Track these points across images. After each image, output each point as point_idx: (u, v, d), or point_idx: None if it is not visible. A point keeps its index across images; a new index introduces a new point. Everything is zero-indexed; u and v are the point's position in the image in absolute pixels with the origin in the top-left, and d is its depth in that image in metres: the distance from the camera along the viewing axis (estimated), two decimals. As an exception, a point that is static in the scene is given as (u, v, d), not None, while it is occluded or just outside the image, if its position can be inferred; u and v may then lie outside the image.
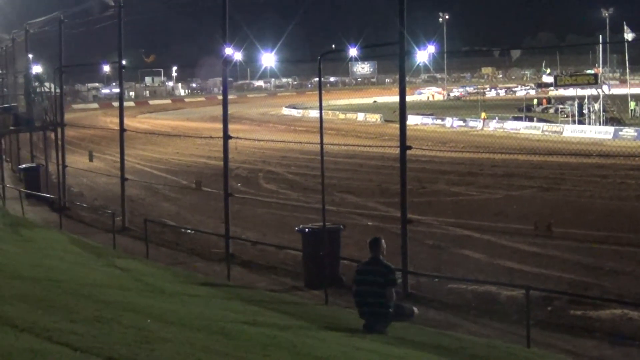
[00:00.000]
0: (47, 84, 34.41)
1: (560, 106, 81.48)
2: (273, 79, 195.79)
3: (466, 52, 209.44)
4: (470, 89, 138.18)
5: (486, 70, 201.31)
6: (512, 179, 36.63)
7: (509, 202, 30.72)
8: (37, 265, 12.43)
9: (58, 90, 33.71)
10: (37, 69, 38.20)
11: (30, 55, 38.36)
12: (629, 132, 62.34)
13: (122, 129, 28.57)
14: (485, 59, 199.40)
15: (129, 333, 9.37)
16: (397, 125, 17.91)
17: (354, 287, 12.91)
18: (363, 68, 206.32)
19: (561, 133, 66.61)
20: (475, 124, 76.80)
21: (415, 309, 13.04)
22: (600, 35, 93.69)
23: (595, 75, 76.03)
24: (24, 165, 37.06)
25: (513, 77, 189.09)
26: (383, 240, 12.77)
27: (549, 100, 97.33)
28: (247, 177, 40.48)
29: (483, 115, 78.48)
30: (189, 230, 25.53)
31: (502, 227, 25.09)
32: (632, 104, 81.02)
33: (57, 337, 8.54)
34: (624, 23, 77.07)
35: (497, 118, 77.34)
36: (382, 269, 12.50)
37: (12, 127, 35.13)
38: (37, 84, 34.08)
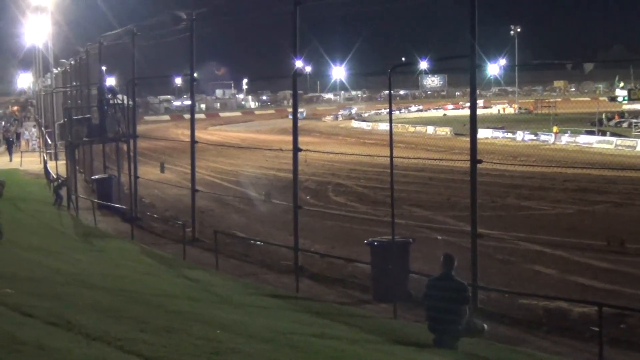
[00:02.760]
0: (119, 96, 34.83)
1: (634, 120, 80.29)
2: (342, 92, 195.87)
3: (537, 65, 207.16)
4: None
5: (558, 84, 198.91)
6: (585, 193, 36.11)
7: (581, 217, 30.30)
8: (108, 274, 12.60)
9: (131, 102, 34.15)
10: (110, 81, 38.74)
11: (103, 68, 38.89)
12: None
13: (193, 141, 28.80)
14: (557, 72, 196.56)
15: (198, 344, 9.43)
16: (467, 139, 17.79)
17: (425, 302, 12.83)
18: (433, 81, 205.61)
19: (635, 147, 65.58)
20: (547, 138, 76.00)
21: (485, 325, 12.92)
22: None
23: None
24: (96, 176, 37.54)
25: (585, 91, 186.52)
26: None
27: (621, 114, 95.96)
28: (316, 189, 40.51)
29: (555, 129, 77.62)
30: (258, 242, 25.60)
31: (574, 242, 24.72)
32: None
33: (129, 346, 8.64)
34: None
35: (569, 132, 76.41)
36: (456, 285, 12.43)
37: (85, 138, 35.69)
38: (110, 95, 34.49)
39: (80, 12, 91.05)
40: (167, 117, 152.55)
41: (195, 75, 29.28)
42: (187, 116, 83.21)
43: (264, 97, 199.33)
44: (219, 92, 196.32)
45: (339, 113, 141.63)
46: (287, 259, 22.53)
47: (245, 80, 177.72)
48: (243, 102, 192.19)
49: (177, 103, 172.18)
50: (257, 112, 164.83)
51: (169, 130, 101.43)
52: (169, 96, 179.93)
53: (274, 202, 31.14)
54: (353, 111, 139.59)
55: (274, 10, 25.62)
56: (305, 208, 24.69)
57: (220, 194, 37.68)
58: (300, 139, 22.62)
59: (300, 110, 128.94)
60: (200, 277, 19.27)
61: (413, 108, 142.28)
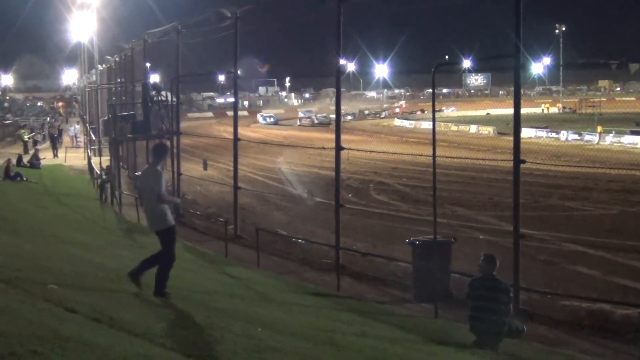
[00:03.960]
0: (163, 93, 34.98)
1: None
2: (385, 90, 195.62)
3: (582, 65, 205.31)
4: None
5: (603, 83, 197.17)
6: (629, 194, 35.78)
7: (625, 218, 30.02)
8: (150, 271, 12.69)
9: (174, 99, 34.32)
10: (154, 78, 38.93)
11: (148, 65, 39.12)
12: None
13: (236, 138, 28.88)
14: (602, 72, 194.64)
15: (239, 341, 9.47)
16: (510, 138, 17.68)
17: (469, 302, 12.79)
18: (476, 80, 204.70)
19: (680, 147, 64.85)
20: (591, 138, 75.39)
21: (525, 327, 12.84)
22: None
23: None
24: (140, 172, 37.74)
25: (631, 90, 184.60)
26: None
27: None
28: (358, 187, 40.50)
29: (599, 129, 76.97)
30: (299, 240, 25.62)
31: (617, 243, 24.50)
32: None
33: (170, 343, 8.69)
34: None
35: (613, 132, 75.68)
36: (500, 286, 12.40)
37: (129, 135, 35.91)
38: (154, 92, 34.64)
39: (125, 8, 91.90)
40: (210, 114, 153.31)
41: (238, 72, 29.39)
42: (230, 113, 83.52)
43: (307, 95, 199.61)
44: (262, 90, 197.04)
45: (300, 116, 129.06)
46: (328, 257, 22.54)
47: (288, 78, 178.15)
48: (286, 100, 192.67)
49: (220, 100, 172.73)
50: (299, 110, 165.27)
51: (212, 127, 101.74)
52: (212, 93, 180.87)
53: (316, 199, 31.17)
54: (313, 115, 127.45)
55: (317, 7, 25.64)
56: (347, 206, 24.66)
57: (262, 192, 37.78)
58: (343, 137, 22.61)
59: (270, 113, 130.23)
60: (241, 274, 19.34)
61: (446, 110, 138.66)
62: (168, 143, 33.38)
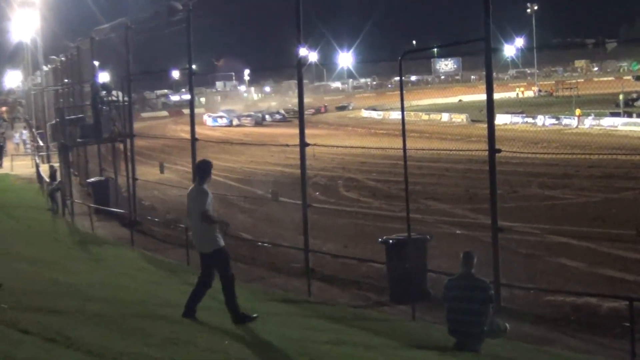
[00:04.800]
0: (114, 93, 34.78)
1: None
2: (351, 80, 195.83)
3: (557, 45, 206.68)
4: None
5: (579, 64, 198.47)
6: (612, 180, 36.06)
7: (609, 205, 30.24)
8: (108, 284, 12.62)
9: (126, 99, 34.14)
10: (103, 77, 38.70)
11: (96, 63, 38.89)
12: None
13: (194, 138, 28.73)
14: (578, 52, 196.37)
15: (205, 356, 9.45)
16: (485, 126, 17.72)
17: (445, 304, 12.83)
18: (447, 65, 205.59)
19: (663, 129, 65.40)
20: (570, 122, 75.91)
21: (508, 325, 12.88)
22: None
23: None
24: (92, 179, 37.50)
25: (609, 70, 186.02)
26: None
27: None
28: (326, 185, 40.53)
29: (578, 111, 77.50)
30: (265, 244, 25.60)
31: (601, 232, 24.67)
32: None
33: (132, 361, 8.65)
34: None
35: (593, 115, 76.19)
36: (477, 284, 12.42)
37: (79, 140, 35.69)
38: (104, 93, 34.43)
39: (70, 6, 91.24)
40: (165, 113, 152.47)
41: (193, 68, 29.28)
42: (186, 111, 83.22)
43: (267, 88, 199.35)
44: (219, 85, 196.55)
45: (209, 115, 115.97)
46: (297, 260, 22.53)
47: (247, 71, 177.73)
48: (245, 94, 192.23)
49: (175, 98, 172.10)
50: (260, 104, 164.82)
51: (168, 127, 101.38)
52: (166, 91, 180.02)
53: (281, 200, 31.15)
54: (235, 116, 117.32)
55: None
56: (315, 205, 24.68)
57: (224, 194, 37.62)
58: (307, 131, 22.60)
59: (221, 112, 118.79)
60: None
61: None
62: (121, 146, 33.28)
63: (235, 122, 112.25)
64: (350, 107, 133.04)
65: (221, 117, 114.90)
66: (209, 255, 13.07)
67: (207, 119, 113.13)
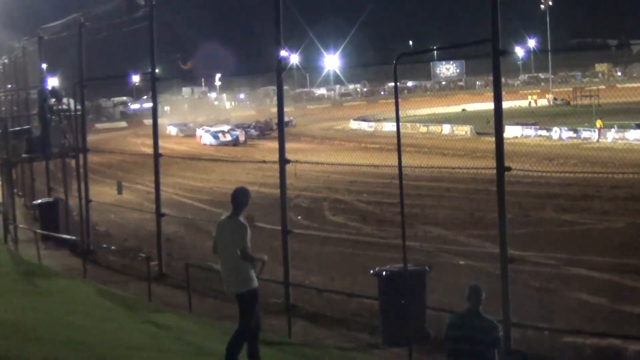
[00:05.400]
0: (65, 101, 34.64)
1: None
2: (338, 86, 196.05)
3: (575, 47, 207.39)
4: None
5: (600, 68, 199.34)
6: (638, 203, 36.12)
7: (635, 232, 30.29)
8: (57, 323, 12.53)
9: (79, 108, 34.01)
10: (53, 82, 38.58)
11: (44, 67, 38.76)
12: None
13: (157, 153, 28.67)
14: (600, 54, 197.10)
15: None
16: (492, 139, 17.72)
17: (446, 346, 12.79)
18: (448, 69, 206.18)
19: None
20: (589, 135, 76.10)
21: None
22: None
23: None
24: (39, 201, 37.31)
25: (634, 75, 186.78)
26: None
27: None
28: (309, 207, 40.54)
29: (598, 123, 77.66)
30: (240, 276, 25.52)
31: (626, 263, 24.70)
32: None
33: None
34: None
35: (616, 127, 76.42)
36: (484, 324, 12.37)
37: (24, 155, 35.50)
38: (53, 101, 34.28)
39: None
40: (123, 124, 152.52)
41: (157, 72, 29.24)
42: (148, 121, 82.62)
43: (242, 95, 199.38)
44: (186, 91, 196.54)
45: (206, 130, 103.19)
46: (276, 295, 22.48)
47: (218, 76, 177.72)
48: (216, 102, 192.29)
49: (135, 106, 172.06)
50: (233, 114, 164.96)
51: (127, 140, 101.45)
52: (125, 98, 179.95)
53: (257, 225, 31.11)
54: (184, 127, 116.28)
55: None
56: (296, 231, 24.64)
57: (192, 218, 37.62)
58: (288, 145, 22.61)
59: (223, 126, 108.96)
60: (169, 322, 19.22)
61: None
62: (73, 163, 33.16)
63: (242, 137, 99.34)
64: (293, 124, 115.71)
65: (223, 132, 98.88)
66: (242, 295, 13.68)
67: (204, 135, 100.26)
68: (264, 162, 28.85)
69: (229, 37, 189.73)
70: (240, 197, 13.86)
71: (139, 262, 27.63)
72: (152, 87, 30.18)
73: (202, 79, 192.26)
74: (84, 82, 33.31)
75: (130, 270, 28.22)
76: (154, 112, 31.99)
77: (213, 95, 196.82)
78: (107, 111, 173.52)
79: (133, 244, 32.63)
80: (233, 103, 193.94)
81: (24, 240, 32.93)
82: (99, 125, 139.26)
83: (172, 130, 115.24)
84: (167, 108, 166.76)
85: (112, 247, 31.62)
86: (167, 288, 25.02)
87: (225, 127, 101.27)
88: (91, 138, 39.62)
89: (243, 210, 13.64)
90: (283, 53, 23.20)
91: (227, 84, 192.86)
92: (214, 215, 39.25)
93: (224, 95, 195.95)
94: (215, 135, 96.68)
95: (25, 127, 37.41)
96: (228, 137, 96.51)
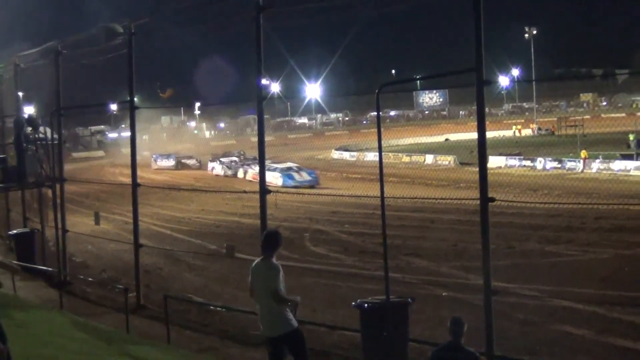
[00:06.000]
0: (42, 129, 34.57)
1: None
2: (319, 115, 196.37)
3: (560, 77, 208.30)
4: None
5: (585, 97, 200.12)
6: (623, 234, 36.24)
7: (620, 263, 30.39)
8: (32, 356, 12.48)
9: (56, 137, 33.95)
10: (29, 111, 38.51)
11: (20, 95, 38.70)
12: None
13: (135, 183, 28.68)
14: (585, 84, 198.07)
15: None
16: (476, 170, 17.78)
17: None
18: (431, 98, 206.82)
19: (684, 174, 66.05)
20: (574, 165, 76.40)
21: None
22: None
23: None
24: (14, 231, 37.18)
25: (620, 105, 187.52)
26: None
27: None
28: (290, 238, 40.43)
29: (583, 153, 78.02)
30: (219, 308, 25.53)
31: (611, 295, 24.80)
32: None
33: None
34: None
35: (601, 157, 76.76)
36: (466, 357, 12.41)
37: (0, 184, 35.43)
38: (30, 129, 34.21)
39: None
40: (101, 153, 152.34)
41: (135, 100, 29.25)
42: (126, 151, 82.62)
43: (222, 125, 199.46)
44: (165, 120, 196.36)
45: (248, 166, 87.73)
46: (255, 328, 22.39)
47: (197, 105, 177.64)
48: (196, 131, 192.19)
49: (113, 135, 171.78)
50: (213, 144, 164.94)
51: (104, 169, 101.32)
52: (102, 127, 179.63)
53: (238, 256, 31.08)
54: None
55: (230, 19, 25.69)
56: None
57: (171, 249, 37.56)
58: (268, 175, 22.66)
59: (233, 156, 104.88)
60: (148, 354, 19.18)
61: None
62: (49, 192, 33.09)
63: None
64: (194, 163, 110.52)
65: (297, 170, 79.26)
66: (281, 338, 13.69)
67: (249, 171, 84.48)
68: (245, 192, 28.91)
69: (210, 66, 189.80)
70: (272, 240, 14.32)
71: (116, 294, 27.57)
72: (131, 116, 30.14)
73: (182, 108, 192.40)
74: (62, 110, 33.27)
75: (107, 301, 28.14)
76: (132, 141, 31.94)
77: (192, 124, 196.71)
78: (84, 140, 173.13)
79: (111, 275, 32.56)
80: (213, 132, 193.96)
81: (-1, 271, 32.84)
82: (75, 154, 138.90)
83: (161, 161, 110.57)
84: (145, 137, 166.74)
85: (89, 279, 31.50)
86: (145, 320, 24.96)
87: (290, 164, 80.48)
88: (68, 167, 39.60)
89: (275, 253, 13.86)
90: (264, 82, 23.26)
91: (207, 113, 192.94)
92: (193, 246, 39.34)
93: (204, 125, 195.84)
94: (289, 175, 75.95)
95: (0, 156, 37.32)
96: (306, 177, 76.79)
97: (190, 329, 23.59)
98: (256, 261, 14.30)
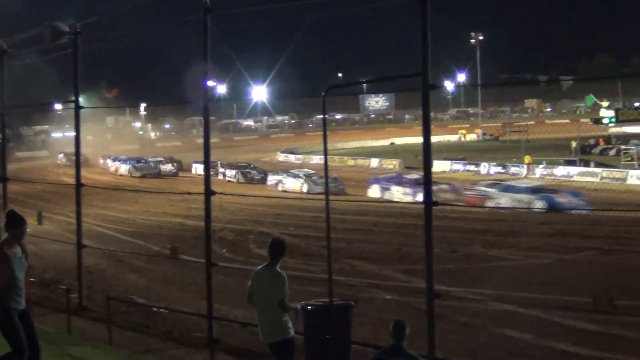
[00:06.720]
0: (-16, 129, 34.28)
1: (623, 147, 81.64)
2: (265, 118, 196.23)
3: (505, 82, 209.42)
4: None
5: (530, 103, 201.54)
6: (565, 239, 36.57)
7: (562, 268, 30.68)
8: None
9: (-1, 137, 33.72)
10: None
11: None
12: None
13: (79, 183, 28.46)
14: (529, 89, 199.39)
15: None
16: (421, 173, 17.86)
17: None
18: (377, 102, 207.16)
19: (625, 180, 66.71)
20: (518, 170, 77.03)
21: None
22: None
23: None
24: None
25: (564, 111, 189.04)
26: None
27: (607, 139, 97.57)
28: (234, 240, 40.44)
29: (527, 159, 78.64)
30: (161, 310, 25.45)
31: (553, 299, 25.00)
32: None
33: None
34: None
35: (544, 163, 77.41)
36: (408, 359, 12.46)
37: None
38: (-28, 129, 33.94)
39: None
40: (45, 153, 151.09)
41: (80, 100, 29.07)
42: (70, 150, 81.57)
43: (167, 126, 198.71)
44: (109, 120, 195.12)
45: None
46: (199, 329, 22.42)
47: (143, 105, 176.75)
48: (141, 132, 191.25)
49: (57, 135, 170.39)
50: (159, 145, 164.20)
51: (48, 169, 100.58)
52: (46, 126, 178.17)
53: (181, 257, 31.02)
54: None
55: (178, 20, 25.61)
56: (221, 265, 24.60)
57: (114, 250, 37.36)
58: (214, 178, 22.63)
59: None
60: (89, 356, 19.08)
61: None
62: None
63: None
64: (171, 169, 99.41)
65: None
66: (279, 344, 14.10)
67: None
68: (189, 193, 28.91)
69: (156, 66, 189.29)
70: (277, 248, 14.61)
71: (58, 294, 27.35)
72: (76, 116, 29.95)
73: (127, 109, 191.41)
74: (5, 110, 33.00)
75: (49, 302, 27.86)
76: (77, 141, 31.72)
77: (137, 124, 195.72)
78: (28, 139, 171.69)
79: (53, 276, 32.30)
80: (158, 133, 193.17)
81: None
82: (19, 154, 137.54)
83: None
84: (90, 137, 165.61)
85: (31, 279, 31.16)
86: (87, 321, 24.78)
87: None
88: (11, 167, 39.23)
89: (280, 261, 13.96)
90: (210, 83, 23.23)
91: (152, 113, 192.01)
92: (136, 247, 39.17)
93: (149, 125, 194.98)
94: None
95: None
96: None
97: (133, 330, 23.46)
98: (259, 267, 14.40)
